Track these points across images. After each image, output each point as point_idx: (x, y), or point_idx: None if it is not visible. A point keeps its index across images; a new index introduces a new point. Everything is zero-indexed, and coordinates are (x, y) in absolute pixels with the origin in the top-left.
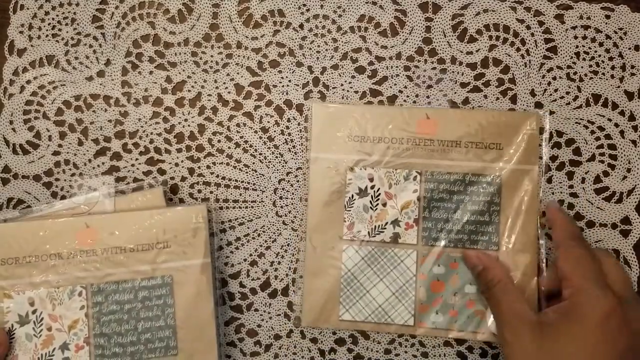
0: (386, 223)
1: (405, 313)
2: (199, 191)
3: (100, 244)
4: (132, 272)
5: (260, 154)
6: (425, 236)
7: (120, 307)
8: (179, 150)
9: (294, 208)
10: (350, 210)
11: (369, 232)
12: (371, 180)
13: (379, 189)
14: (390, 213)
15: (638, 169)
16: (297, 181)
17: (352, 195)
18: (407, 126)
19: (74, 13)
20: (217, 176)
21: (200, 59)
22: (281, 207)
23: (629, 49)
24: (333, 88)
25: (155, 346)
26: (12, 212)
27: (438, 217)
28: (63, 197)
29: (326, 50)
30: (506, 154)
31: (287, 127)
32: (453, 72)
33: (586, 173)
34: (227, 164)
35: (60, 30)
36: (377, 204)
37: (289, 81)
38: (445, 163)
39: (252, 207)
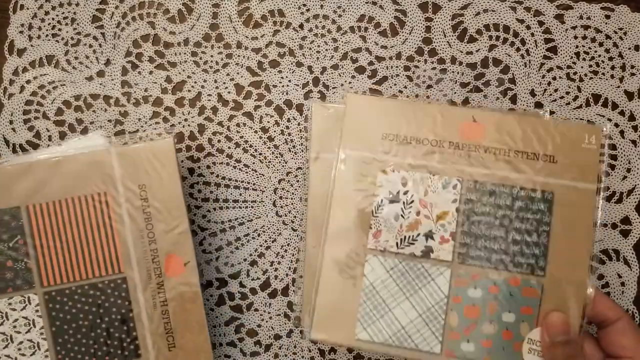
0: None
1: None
2: (199, 191)
3: (488, 140)
4: (511, 179)
5: (260, 154)
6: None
7: (494, 210)
8: (179, 150)
9: (294, 208)
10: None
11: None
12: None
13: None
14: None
15: (638, 169)
16: (297, 181)
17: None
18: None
19: (74, 13)
20: (217, 176)
21: (200, 59)
22: (281, 207)
23: (629, 49)
24: (333, 88)
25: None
26: None
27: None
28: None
29: (326, 50)
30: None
31: (287, 127)
32: (453, 72)
33: None
34: (227, 164)
35: (60, 30)
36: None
37: (289, 81)
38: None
39: (252, 207)
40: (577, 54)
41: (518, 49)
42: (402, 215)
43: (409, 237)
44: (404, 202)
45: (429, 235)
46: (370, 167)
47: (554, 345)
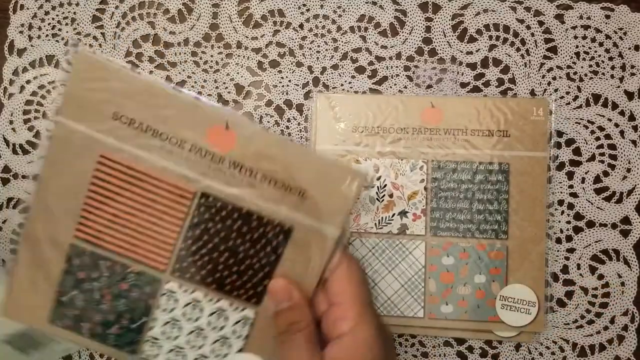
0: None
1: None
2: None
3: (446, 123)
4: (470, 156)
5: None
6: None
7: (458, 185)
8: None
9: None
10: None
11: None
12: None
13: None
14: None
15: (638, 169)
16: None
17: None
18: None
19: (74, 13)
20: None
21: (200, 59)
22: None
23: (629, 49)
24: (333, 88)
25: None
26: None
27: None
28: None
29: (326, 50)
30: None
31: (287, 127)
32: (453, 72)
33: (586, 173)
34: None
35: (60, 30)
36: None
37: (289, 81)
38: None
39: None
40: (577, 54)
41: (518, 49)
42: (377, 199)
43: (385, 217)
44: (377, 187)
45: (402, 214)
46: (345, 158)
47: (279, 312)
